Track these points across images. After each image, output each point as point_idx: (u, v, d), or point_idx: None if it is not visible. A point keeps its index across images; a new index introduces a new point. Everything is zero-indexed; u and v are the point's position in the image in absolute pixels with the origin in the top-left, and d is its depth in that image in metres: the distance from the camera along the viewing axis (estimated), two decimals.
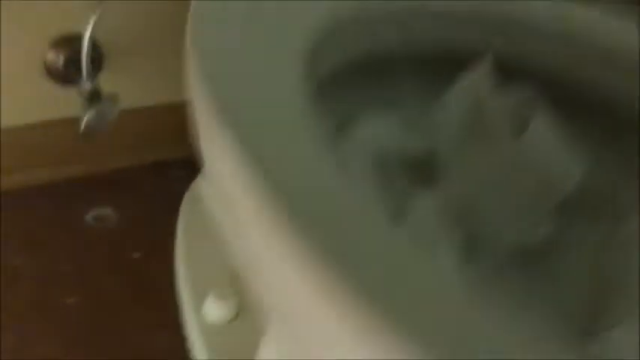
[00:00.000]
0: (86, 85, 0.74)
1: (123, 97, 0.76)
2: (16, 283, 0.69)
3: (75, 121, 0.74)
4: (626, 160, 0.45)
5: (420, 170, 0.43)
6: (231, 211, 0.29)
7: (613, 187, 0.45)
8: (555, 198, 0.43)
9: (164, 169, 0.83)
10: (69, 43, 0.74)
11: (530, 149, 0.41)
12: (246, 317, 0.50)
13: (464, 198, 0.41)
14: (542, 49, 0.45)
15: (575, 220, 0.44)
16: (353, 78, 0.41)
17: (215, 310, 0.50)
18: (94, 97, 0.75)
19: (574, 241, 0.44)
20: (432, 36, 0.44)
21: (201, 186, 0.52)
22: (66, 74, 0.75)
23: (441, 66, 0.43)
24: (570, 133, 0.42)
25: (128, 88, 0.78)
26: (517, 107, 0.42)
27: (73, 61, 0.73)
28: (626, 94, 0.44)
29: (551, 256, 0.44)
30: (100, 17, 0.63)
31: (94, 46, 0.72)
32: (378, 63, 0.43)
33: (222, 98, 0.30)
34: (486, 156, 0.42)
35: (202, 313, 0.50)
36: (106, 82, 0.75)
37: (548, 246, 0.44)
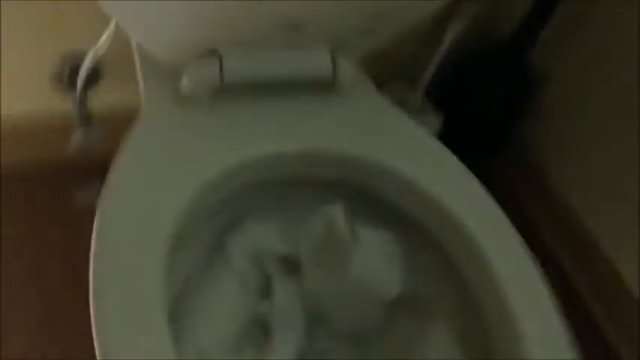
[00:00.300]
0: (78, 101, 0.76)
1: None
2: None
3: None
4: (438, 269, 0.58)
5: (288, 265, 0.60)
6: None
7: (427, 290, 0.59)
8: (380, 302, 0.57)
9: None
10: (78, 58, 0.76)
11: (361, 266, 0.56)
12: None
13: (314, 292, 0.58)
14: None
15: (400, 315, 0.59)
16: (245, 196, 0.57)
17: None
18: (84, 117, 0.77)
19: (396, 331, 0.59)
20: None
21: None
22: (68, 87, 0.79)
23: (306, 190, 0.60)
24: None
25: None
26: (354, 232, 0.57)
27: (74, 77, 0.75)
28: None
29: (376, 341, 0.59)
30: (108, 39, 0.65)
31: (95, 66, 0.74)
32: (265, 187, 0.58)
33: None
34: (331, 267, 0.57)
35: None
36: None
37: (377, 333, 0.59)
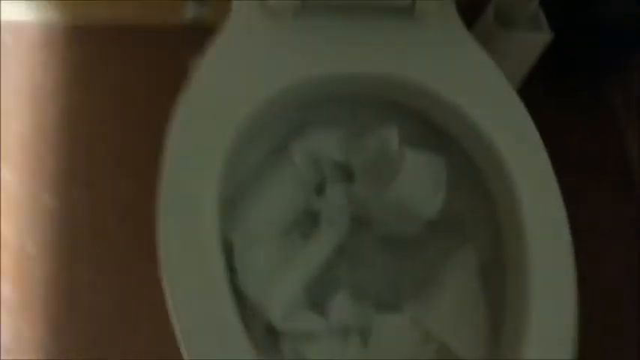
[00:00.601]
0: None
1: None
2: None
3: None
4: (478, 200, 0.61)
5: (343, 171, 0.65)
6: None
7: (463, 212, 0.62)
8: (419, 219, 0.61)
9: None
10: None
11: (405, 185, 0.60)
12: None
13: (362, 199, 0.62)
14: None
15: (436, 234, 0.63)
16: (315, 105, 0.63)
17: None
18: None
19: (429, 248, 0.63)
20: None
21: None
22: None
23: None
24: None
25: None
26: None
27: None
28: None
29: (412, 254, 0.64)
30: None
31: None
32: (334, 100, 0.63)
33: None
34: (379, 181, 0.61)
35: None
36: None
37: (414, 247, 0.64)
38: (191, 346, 0.47)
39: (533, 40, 0.83)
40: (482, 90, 0.61)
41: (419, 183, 0.60)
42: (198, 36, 0.69)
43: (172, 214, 0.51)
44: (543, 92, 0.88)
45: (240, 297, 0.55)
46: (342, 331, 0.58)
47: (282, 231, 0.61)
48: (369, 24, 0.62)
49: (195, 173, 0.53)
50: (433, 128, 0.62)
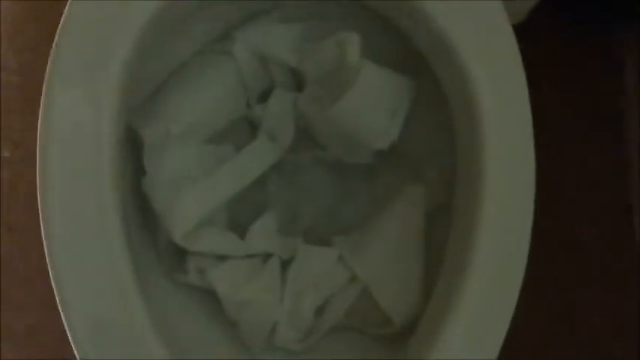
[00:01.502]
0: None
1: None
2: None
3: None
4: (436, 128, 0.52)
5: (293, 78, 0.54)
6: None
7: (420, 148, 0.53)
8: (370, 147, 0.51)
9: None
10: None
11: (357, 102, 0.49)
12: None
13: (311, 113, 0.52)
14: None
15: (388, 165, 0.54)
16: None
17: None
18: None
19: (377, 181, 0.55)
20: None
21: None
22: None
23: None
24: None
25: None
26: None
27: None
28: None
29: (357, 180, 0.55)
30: None
31: None
32: None
33: None
34: (331, 95, 0.50)
35: None
36: None
37: (361, 176, 0.55)
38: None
39: None
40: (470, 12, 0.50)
41: (374, 103, 0.50)
42: None
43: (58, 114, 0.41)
44: (548, 28, 0.81)
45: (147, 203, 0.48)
46: (261, 258, 0.51)
47: (209, 136, 0.52)
48: None
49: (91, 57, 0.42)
50: (402, 43, 0.52)
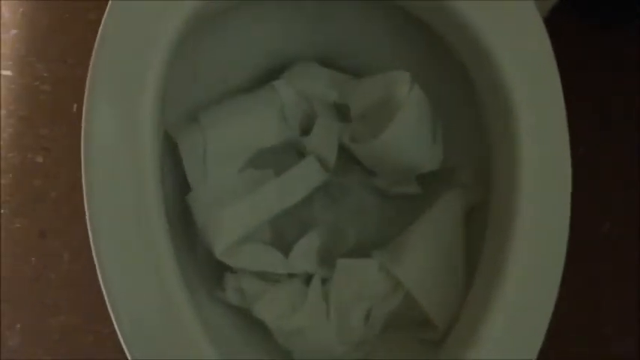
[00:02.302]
0: None
1: None
2: None
3: None
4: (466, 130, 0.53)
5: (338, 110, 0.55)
6: None
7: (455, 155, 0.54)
8: (414, 173, 0.53)
9: None
10: None
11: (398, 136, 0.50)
12: None
13: (355, 144, 0.53)
14: None
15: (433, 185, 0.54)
16: None
17: None
18: None
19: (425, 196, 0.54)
20: None
21: None
22: None
23: None
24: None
25: None
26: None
27: None
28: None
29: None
30: None
31: None
32: None
33: None
34: (376, 129, 0.50)
35: None
36: None
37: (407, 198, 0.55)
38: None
39: None
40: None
41: (416, 131, 0.51)
42: None
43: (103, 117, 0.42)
44: (573, 27, 0.84)
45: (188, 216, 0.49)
46: (302, 279, 0.51)
47: (251, 159, 0.52)
48: None
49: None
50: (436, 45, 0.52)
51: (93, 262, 0.41)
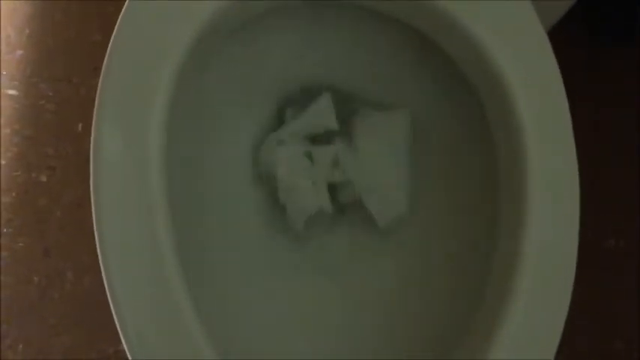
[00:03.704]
0: None
1: None
2: None
3: None
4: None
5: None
6: None
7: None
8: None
9: None
10: None
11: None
12: None
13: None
14: None
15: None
16: None
17: None
18: None
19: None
20: None
21: None
22: None
23: None
24: None
25: None
26: None
27: None
28: None
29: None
30: None
31: None
32: None
33: None
34: None
35: None
36: None
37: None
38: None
39: None
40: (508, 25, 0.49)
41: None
42: None
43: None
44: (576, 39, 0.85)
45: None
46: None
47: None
48: None
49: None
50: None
51: (97, 280, 0.41)
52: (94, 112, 0.42)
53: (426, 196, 0.57)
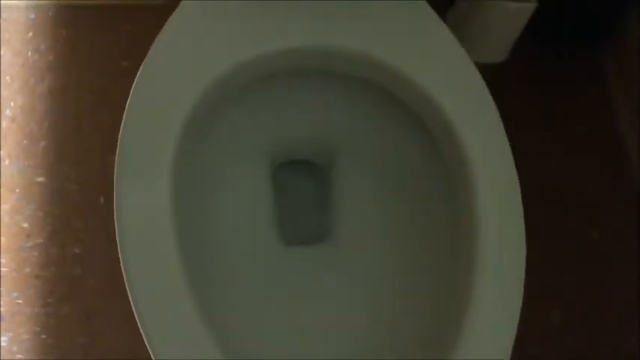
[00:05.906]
0: None
1: None
2: None
3: None
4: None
5: None
6: None
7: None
8: None
9: None
10: None
11: None
12: None
13: None
14: None
15: None
16: None
17: None
18: None
19: None
20: None
21: None
22: None
23: None
24: None
25: None
26: None
27: None
28: None
29: None
30: None
31: None
32: None
33: None
34: None
35: None
36: None
37: None
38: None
39: (518, 10, 0.82)
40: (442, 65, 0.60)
41: None
42: None
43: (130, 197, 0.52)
44: (533, 58, 0.91)
45: None
46: None
47: None
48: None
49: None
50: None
51: (133, 334, 0.50)
52: (115, 170, 0.52)
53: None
